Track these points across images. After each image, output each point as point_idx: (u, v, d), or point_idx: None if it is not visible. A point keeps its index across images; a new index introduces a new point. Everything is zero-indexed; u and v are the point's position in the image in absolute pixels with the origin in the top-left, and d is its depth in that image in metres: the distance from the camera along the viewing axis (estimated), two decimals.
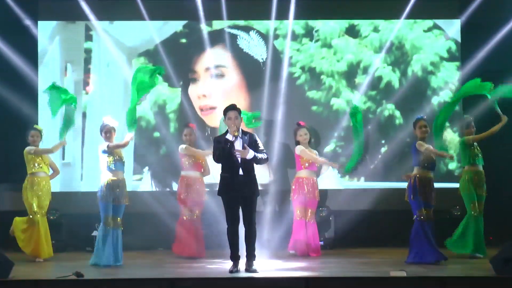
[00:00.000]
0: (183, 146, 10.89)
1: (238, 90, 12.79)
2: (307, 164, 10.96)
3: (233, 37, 12.82)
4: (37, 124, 11.53)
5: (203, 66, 12.77)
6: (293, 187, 10.96)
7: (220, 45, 12.81)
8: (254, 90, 12.70)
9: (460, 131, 10.87)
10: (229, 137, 8.94)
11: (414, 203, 9.71)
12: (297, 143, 11.05)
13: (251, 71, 12.76)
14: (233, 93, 12.74)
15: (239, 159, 8.93)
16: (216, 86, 12.74)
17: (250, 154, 8.89)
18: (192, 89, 12.77)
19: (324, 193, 11.72)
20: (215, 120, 12.50)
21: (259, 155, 8.98)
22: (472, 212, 10.37)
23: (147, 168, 12.54)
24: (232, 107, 9.09)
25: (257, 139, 9.13)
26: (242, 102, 12.62)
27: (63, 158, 12.56)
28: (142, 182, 12.48)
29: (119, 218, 9.88)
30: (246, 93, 12.79)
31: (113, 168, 9.88)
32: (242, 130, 9.08)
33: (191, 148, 10.85)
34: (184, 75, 12.79)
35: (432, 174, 9.84)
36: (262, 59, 12.77)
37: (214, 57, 12.76)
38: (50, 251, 10.55)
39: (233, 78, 12.81)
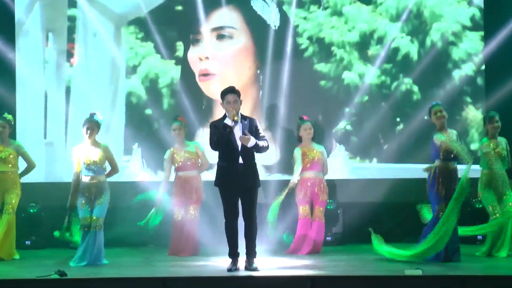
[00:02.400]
0: (166, 156, 10.91)
1: (244, 56, 12.71)
2: (309, 165, 10.91)
3: None
4: (14, 104, 11.45)
5: (209, 26, 12.67)
6: (297, 188, 10.90)
7: (230, 6, 12.71)
8: (261, 59, 12.58)
9: (485, 128, 10.68)
10: (228, 122, 8.84)
11: (433, 197, 9.65)
12: (299, 138, 10.99)
13: (261, 36, 12.64)
14: (238, 58, 12.68)
15: (239, 147, 8.84)
16: (222, 48, 12.67)
17: (252, 141, 8.80)
18: (194, 51, 12.69)
19: (332, 184, 11.64)
20: (213, 89, 12.45)
21: (260, 143, 8.89)
22: (493, 215, 10.32)
23: (136, 145, 12.47)
24: (230, 90, 8.98)
25: (258, 124, 9.04)
26: (246, 71, 12.62)
27: (45, 137, 12.53)
28: (130, 163, 12.44)
29: (100, 219, 9.83)
30: (252, 61, 12.71)
31: (85, 174, 9.90)
32: (241, 114, 8.99)
33: (167, 164, 10.84)
34: (185, 38, 12.70)
35: (455, 164, 9.74)
36: (275, 26, 12.66)
37: (222, 18, 12.70)
38: (11, 253, 10.52)
39: (241, 41, 12.72)
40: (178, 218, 10.73)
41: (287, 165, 12.02)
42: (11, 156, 10.59)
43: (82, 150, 9.90)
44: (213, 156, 9.56)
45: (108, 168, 10.09)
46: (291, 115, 12.17)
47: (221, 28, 12.67)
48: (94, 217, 9.80)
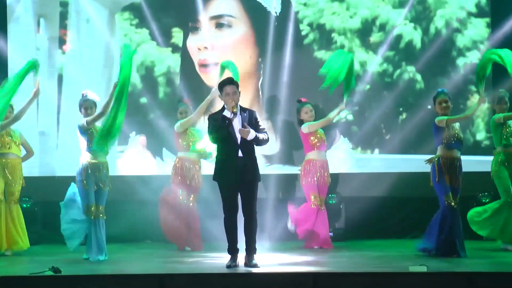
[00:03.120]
0: (178, 124, 10.76)
1: (244, 45, 12.65)
2: (318, 144, 10.86)
3: None
4: None
5: (208, 14, 12.59)
6: (303, 170, 10.85)
7: None
8: (261, 47, 12.51)
9: (491, 107, 10.72)
10: (227, 113, 8.79)
11: (439, 187, 9.59)
12: (301, 122, 10.94)
13: (261, 24, 12.56)
14: (239, 48, 12.61)
15: (239, 140, 8.78)
16: (221, 37, 12.60)
17: (251, 134, 8.74)
18: (192, 40, 12.62)
19: (334, 178, 11.60)
20: (213, 78, 12.32)
21: (260, 135, 8.83)
22: (507, 199, 10.27)
23: (133, 133, 12.41)
24: (229, 81, 8.94)
25: (257, 116, 9.00)
26: (246, 60, 12.55)
27: (37, 126, 12.44)
28: (125, 153, 12.37)
29: (101, 206, 9.75)
30: (253, 50, 12.65)
31: (94, 149, 9.67)
32: (240, 106, 8.93)
33: (186, 121, 10.73)
34: (184, 26, 12.63)
35: (459, 153, 9.70)
36: (276, 13, 12.56)
37: (221, 6, 12.62)
38: (26, 242, 10.47)
39: (241, 30, 12.65)
40: (180, 202, 10.70)
41: (287, 156, 12.01)
42: (17, 142, 10.52)
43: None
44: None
45: None
46: (292, 104, 12.13)
47: (219, 16, 12.59)
48: (101, 207, 9.73)
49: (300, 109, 10.94)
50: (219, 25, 12.61)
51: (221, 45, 12.51)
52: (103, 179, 9.74)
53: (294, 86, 12.33)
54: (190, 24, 12.61)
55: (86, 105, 9.76)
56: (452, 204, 9.54)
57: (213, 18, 12.59)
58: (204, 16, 12.54)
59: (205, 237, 10.79)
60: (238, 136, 8.79)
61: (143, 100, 12.49)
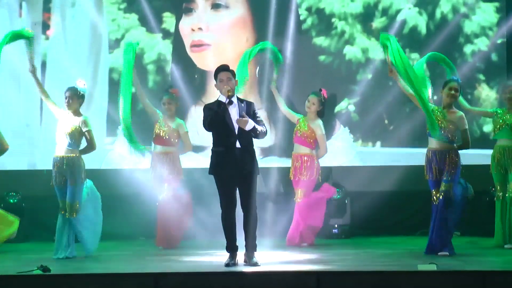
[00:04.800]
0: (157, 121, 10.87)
1: (241, 28, 12.68)
2: (298, 134, 10.89)
3: None
4: None
5: None
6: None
7: None
8: (260, 31, 12.53)
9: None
10: (222, 98, 8.82)
11: (430, 182, 9.71)
12: None
13: (260, 7, 12.58)
14: (235, 29, 12.64)
15: (236, 130, 8.80)
16: (217, 18, 12.61)
17: (250, 124, 8.76)
18: (186, 22, 12.64)
19: (338, 171, 11.66)
20: (206, 60, 12.45)
21: (259, 127, 8.86)
22: (498, 194, 10.39)
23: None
24: (223, 68, 8.97)
25: (256, 108, 9.04)
26: (243, 44, 12.54)
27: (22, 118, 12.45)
28: (116, 145, 12.37)
29: (73, 204, 9.74)
30: (250, 33, 12.66)
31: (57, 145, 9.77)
32: (238, 97, 8.96)
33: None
34: (177, 8, 12.65)
35: (452, 145, 9.71)
36: None
37: None
38: None
39: (239, 11, 12.68)
40: (160, 198, 10.75)
41: (284, 148, 12.03)
42: None
43: (62, 116, 9.79)
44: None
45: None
46: (290, 92, 12.15)
47: None
48: (68, 202, 9.74)
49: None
50: (215, 6, 12.61)
51: (217, 26, 12.54)
52: (74, 175, 9.75)
53: (294, 73, 12.32)
54: (184, 5, 12.61)
55: (67, 94, 9.78)
56: (434, 200, 9.62)
57: None
58: None
59: (202, 234, 10.83)
60: (236, 127, 8.81)
61: (132, 89, 12.44)
